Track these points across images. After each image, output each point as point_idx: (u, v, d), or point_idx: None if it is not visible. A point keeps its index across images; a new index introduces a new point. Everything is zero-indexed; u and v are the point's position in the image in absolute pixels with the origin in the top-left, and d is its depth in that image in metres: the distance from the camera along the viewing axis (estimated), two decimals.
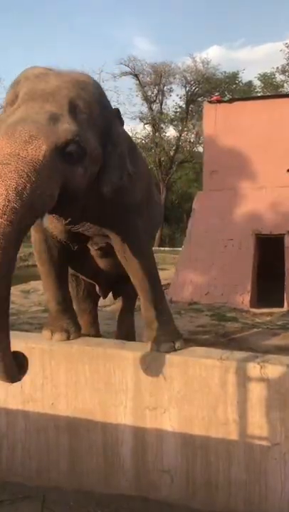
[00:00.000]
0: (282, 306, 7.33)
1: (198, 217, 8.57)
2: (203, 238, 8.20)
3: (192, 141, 26.59)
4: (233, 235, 8.03)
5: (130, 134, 3.85)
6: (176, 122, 28.08)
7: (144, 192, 3.01)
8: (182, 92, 27.62)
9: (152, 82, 26.82)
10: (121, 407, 2.65)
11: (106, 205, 2.46)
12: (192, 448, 2.54)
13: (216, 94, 21.94)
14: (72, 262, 3.10)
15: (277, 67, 26.88)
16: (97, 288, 3.63)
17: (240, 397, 2.44)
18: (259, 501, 2.44)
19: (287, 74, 26.92)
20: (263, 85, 27.87)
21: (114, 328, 4.35)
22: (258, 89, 27.95)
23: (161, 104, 27.63)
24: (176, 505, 2.54)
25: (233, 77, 28.33)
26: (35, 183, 1.88)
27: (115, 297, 4.02)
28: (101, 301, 4.27)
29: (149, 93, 27.28)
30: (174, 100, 41.25)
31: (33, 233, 2.86)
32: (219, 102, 9.08)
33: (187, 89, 27.25)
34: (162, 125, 27.89)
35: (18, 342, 2.85)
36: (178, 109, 28.32)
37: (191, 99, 27.32)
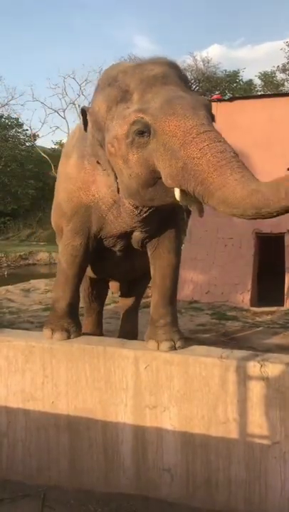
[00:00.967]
0: (282, 304, 7.33)
1: (199, 216, 8.56)
2: (203, 237, 8.19)
3: None
4: (233, 234, 8.02)
5: None
6: None
7: None
8: None
9: None
10: (121, 406, 2.65)
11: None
12: (192, 447, 2.54)
13: (217, 92, 21.95)
14: (101, 264, 3.13)
15: (278, 66, 26.80)
16: (114, 287, 3.66)
17: (241, 396, 2.45)
18: (259, 500, 2.44)
19: (287, 73, 26.85)
20: (263, 84, 27.78)
21: (114, 326, 4.36)
22: (258, 88, 27.86)
23: None
24: (176, 504, 2.55)
25: (234, 75, 28.25)
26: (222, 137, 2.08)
27: (126, 295, 4.03)
28: None
29: None
30: None
31: (76, 237, 2.84)
32: (220, 100, 9.06)
33: None
34: None
35: (18, 341, 2.86)
36: None
37: None
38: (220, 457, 2.50)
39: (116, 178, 2.39)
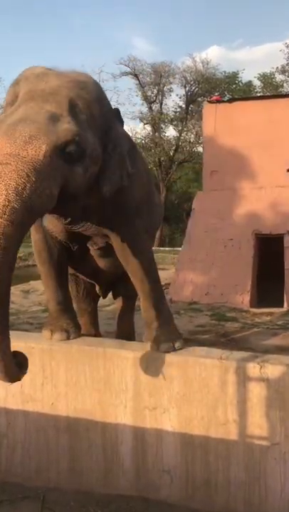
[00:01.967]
0: (282, 305, 7.32)
1: (198, 217, 8.56)
2: (203, 238, 8.19)
3: (192, 141, 26.52)
4: (232, 235, 8.02)
5: (130, 134, 3.85)
6: (175, 122, 28.03)
7: (144, 192, 3.01)
8: (182, 92, 27.60)
9: (152, 82, 26.79)
10: (121, 407, 2.65)
11: (106, 205, 2.46)
12: (192, 448, 2.54)
13: (216, 94, 21.92)
14: (72, 261, 3.10)
15: (277, 67, 26.88)
16: (97, 288, 3.63)
17: (240, 397, 2.44)
18: (259, 501, 2.44)
19: (286, 74, 26.89)
20: (262, 85, 27.82)
21: (114, 327, 4.34)
22: (257, 89, 27.90)
23: (161, 104, 27.60)
24: (176, 505, 2.54)
25: (233, 77, 28.30)
26: (35, 183, 1.88)
27: (115, 297, 4.02)
28: (101, 301, 4.27)
29: (149, 93, 27.26)
30: (174, 100, 41.08)
31: (33, 233, 2.87)
32: (219, 101, 9.06)
33: (187, 89, 27.24)
34: (162, 125, 27.84)
35: (17, 342, 2.85)
36: (178, 109, 28.30)
37: (190, 99, 27.29)
38: (219, 458, 2.50)
39: None
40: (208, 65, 26.25)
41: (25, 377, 2.80)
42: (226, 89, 27.54)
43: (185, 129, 26.34)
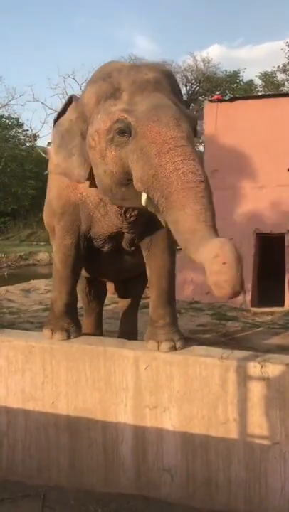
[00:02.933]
0: (282, 305, 7.32)
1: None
2: None
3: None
4: (233, 234, 7.95)
5: None
6: None
7: None
8: (183, 90, 27.55)
9: None
10: (121, 406, 2.65)
11: None
12: (192, 447, 2.54)
13: (217, 93, 21.95)
14: (96, 263, 3.11)
15: (278, 66, 26.83)
16: (112, 287, 3.64)
17: (241, 396, 2.44)
18: (259, 500, 2.44)
19: (288, 73, 26.85)
20: (263, 84, 27.78)
21: (114, 327, 4.35)
22: (258, 88, 27.86)
23: None
24: (176, 504, 2.54)
25: (234, 76, 28.28)
26: (200, 162, 2.05)
27: (124, 296, 4.02)
28: None
29: None
30: None
31: (64, 236, 2.85)
32: (220, 100, 9.04)
33: (188, 88, 27.23)
34: None
35: (18, 341, 2.86)
36: None
37: (191, 98, 27.27)
38: (220, 457, 2.50)
39: (90, 171, 2.41)
40: (209, 64, 26.30)
41: (26, 376, 2.82)
42: (227, 88, 27.52)
43: None
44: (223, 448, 2.49)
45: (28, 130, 26.80)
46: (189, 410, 2.53)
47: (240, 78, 28.63)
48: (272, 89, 25.91)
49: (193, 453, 2.54)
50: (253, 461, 2.44)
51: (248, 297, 7.46)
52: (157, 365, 2.59)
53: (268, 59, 48.17)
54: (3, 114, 26.17)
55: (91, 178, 2.42)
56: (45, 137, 26.60)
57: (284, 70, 26.81)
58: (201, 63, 26.22)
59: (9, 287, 8.55)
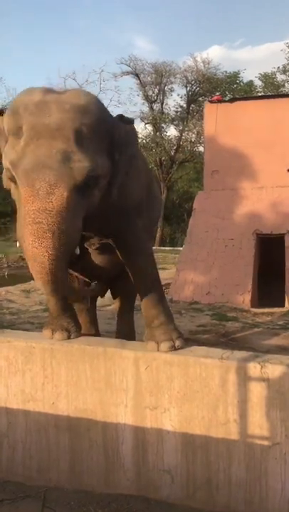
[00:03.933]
0: (282, 305, 7.33)
1: (199, 217, 8.56)
2: (203, 238, 8.19)
3: (193, 140, 26.48)
4: (233, 235, 8.02)
5: None
6: (177, 122, 28.01)
7: (144, 190, 3.02)
8: (183, 91, 27.63)
9: (153, 81, 26.78)
10: (121, 407, 2.65)
11: (108, 207, 2.48)
12: (192, 447, 2.54)
13: (217, 93, 21.95)
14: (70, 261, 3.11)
15: (278, 67, 26.85)
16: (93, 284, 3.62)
17: (241, 397, 2.44)
18: (259, 501, 2.44)
19: (288, 74, 26.86)
20: (263, 85, 27.78)
21: (114, 327, 4.34)
22: (258, 89, 27.87)
23: (162, 104, 27.60)
24: (177, 505, 2.54)
25: (234, 76, 28.28)
26: (66, 230, 2.05)
27: (114, 296, 4.02)
28: (101, 301, 4.27)
29: (150, 93, 27.26)
30: (175, 100, 41.15)
31: None
32: (220, 101, 9.06)
33: (188, 88, 27.25)
34: (163, 125, 27.81)
35: (18, 341, 2.86)
36: (179, 109, 28.29)
37: (192, 99, 27.30)
38: (220, 458, 2.50)
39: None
40: (210, 65, 26.27)
41: (26, 377, 2.82)
42: (227, 88, 27.54)
43: (186, 128, 26.31)
44: (223, 449, 2.49)
45: None
46: (189, 411, 2.53)
47: (240, 79, 28.66)
48: (272, 90, 25.93)
49: (194, 454, 2.54)
50: (253, 462, 2.44)
51: (248, 298, 7.47)
52: (157, 365, 2.59)
53: (268, 60, 48.27)
54: None
55: None
56: None
57: (284, 71, 26.83)
58: (201, 64, 26.21)
59: (9, 288, 8.54)
